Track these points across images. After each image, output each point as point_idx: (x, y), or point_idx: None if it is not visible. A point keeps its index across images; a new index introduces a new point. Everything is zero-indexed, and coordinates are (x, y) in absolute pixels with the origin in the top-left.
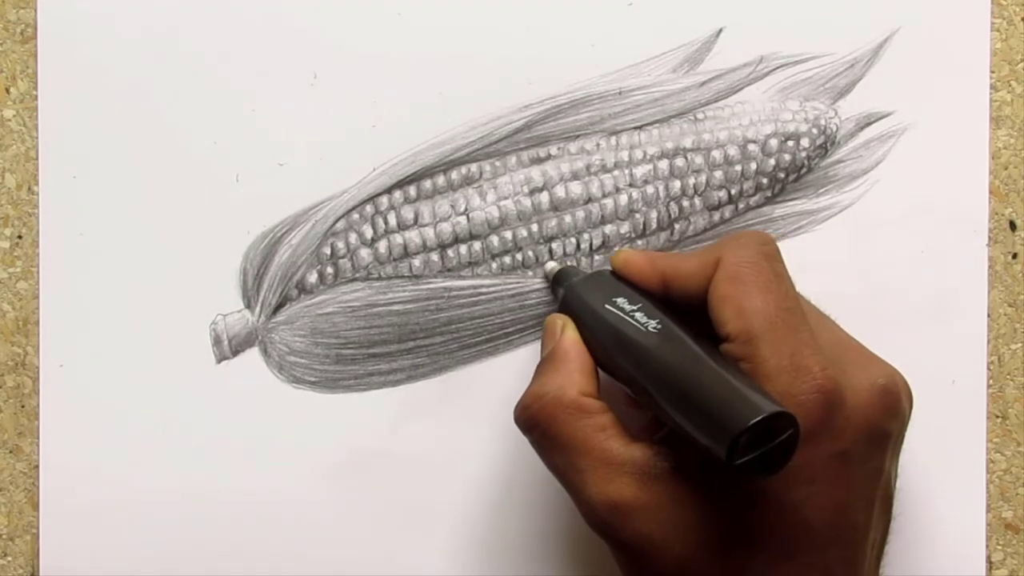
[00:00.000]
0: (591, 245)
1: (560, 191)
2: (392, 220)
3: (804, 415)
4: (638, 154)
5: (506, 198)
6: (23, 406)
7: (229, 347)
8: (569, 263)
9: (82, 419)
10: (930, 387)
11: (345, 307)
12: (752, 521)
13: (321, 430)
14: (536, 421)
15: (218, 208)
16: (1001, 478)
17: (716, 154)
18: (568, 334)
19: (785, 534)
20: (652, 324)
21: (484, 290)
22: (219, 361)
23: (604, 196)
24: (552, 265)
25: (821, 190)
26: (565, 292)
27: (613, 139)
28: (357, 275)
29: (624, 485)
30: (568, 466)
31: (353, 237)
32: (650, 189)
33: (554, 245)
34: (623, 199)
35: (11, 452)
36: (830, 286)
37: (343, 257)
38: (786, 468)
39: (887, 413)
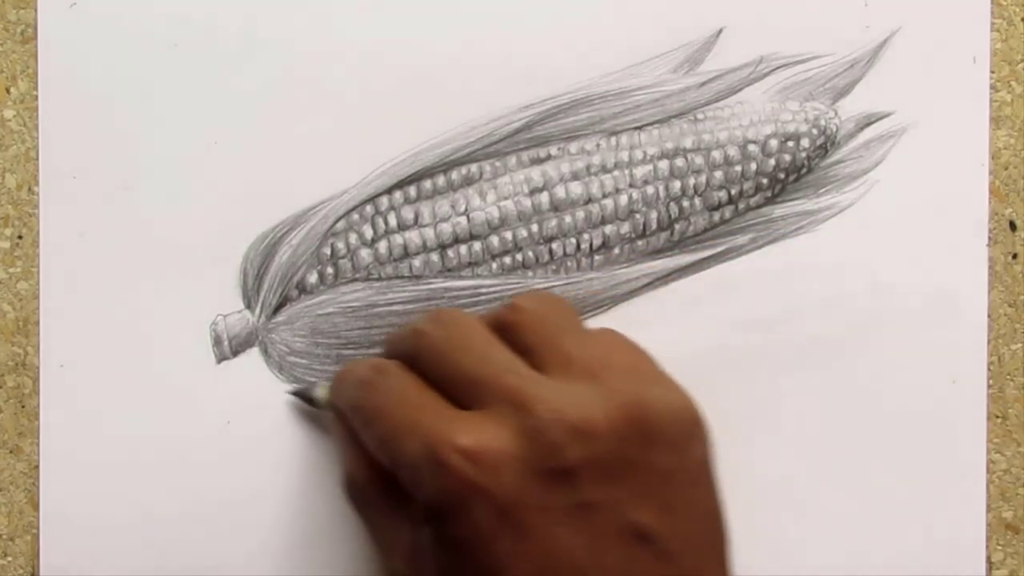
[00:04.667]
0: (591, 245)
1: (560, 191)
2: (392, 220)
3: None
4: (638, 154)
5: (506, 198)
6: (23, 406)
7: (229, 347)
8: (573, 265)
9: (82, 419)
10: (930, 387)
11: (345, 307)
12: None
13: (321, 430)
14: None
15: (218, 208)
16: (1001, 478)
17: (716, 154)
18: None
19: None
20: None
21: (484, 290)
22: (219, 361)
23: (604, 196)
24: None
25: (821, 190)
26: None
27: (613, 139)
28: (357, 275)
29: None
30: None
31: (353, 237)
32: (650, 189)
33: (554, 245)
34: (623, 199)
35: (11, 452)
36: (830, 286)
37: (343, 257)
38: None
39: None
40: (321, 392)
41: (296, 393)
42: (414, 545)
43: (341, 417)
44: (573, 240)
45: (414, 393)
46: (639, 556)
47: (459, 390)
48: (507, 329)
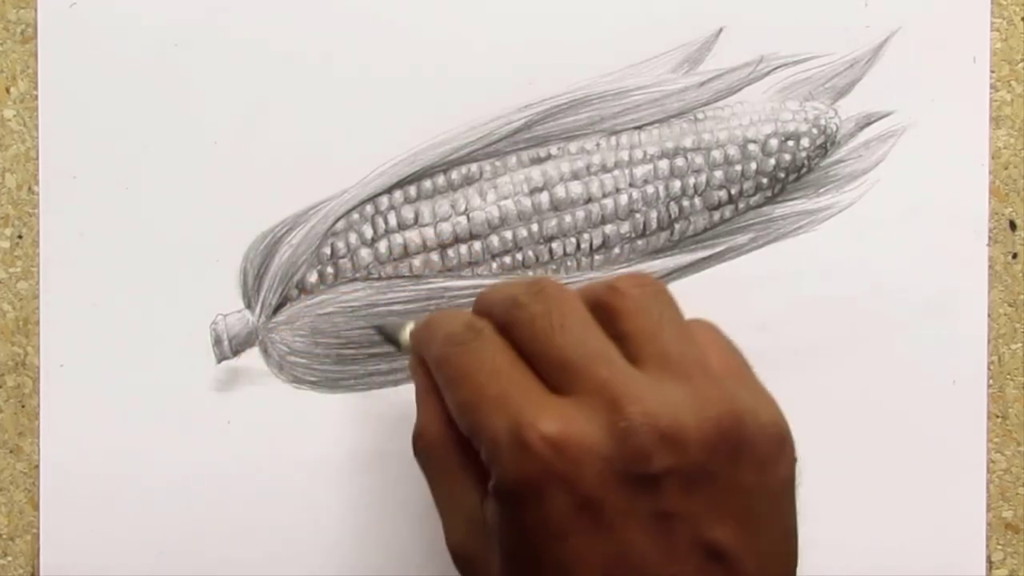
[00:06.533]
0: (591, 245)
1: (560, 191)
2: (392, 220)
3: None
4: (638, 154)
5: (506, 198)
6: (23, 406)
7: (229, 347)
8: (570, 263)
9: (82, 419)
10: (930, 387)
11: (345, 307)
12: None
13: (321, 430)
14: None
15: (218, 208)
16: (1001, 478)
17: (716, 154)
18: None
19: None
20: None
21: None
22: (219, 361)
23: (604, 196)
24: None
25: (821, 190)
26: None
27: (613, 139)
28: (357, 275)
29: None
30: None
31: (353, 237)
32: (650, 189)
33: (554, 245)
34: (623, 199)
35: (11, 452)
36: (830, 286)
37: (343, 257)
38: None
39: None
40: (406, 336)
41: (379, 329)
42: (480, 516)
43: (422, 367)
44: (573, 240)
45: (505, 364)
46: (710, 573)
47: (550, 371)
48: (605, 311)
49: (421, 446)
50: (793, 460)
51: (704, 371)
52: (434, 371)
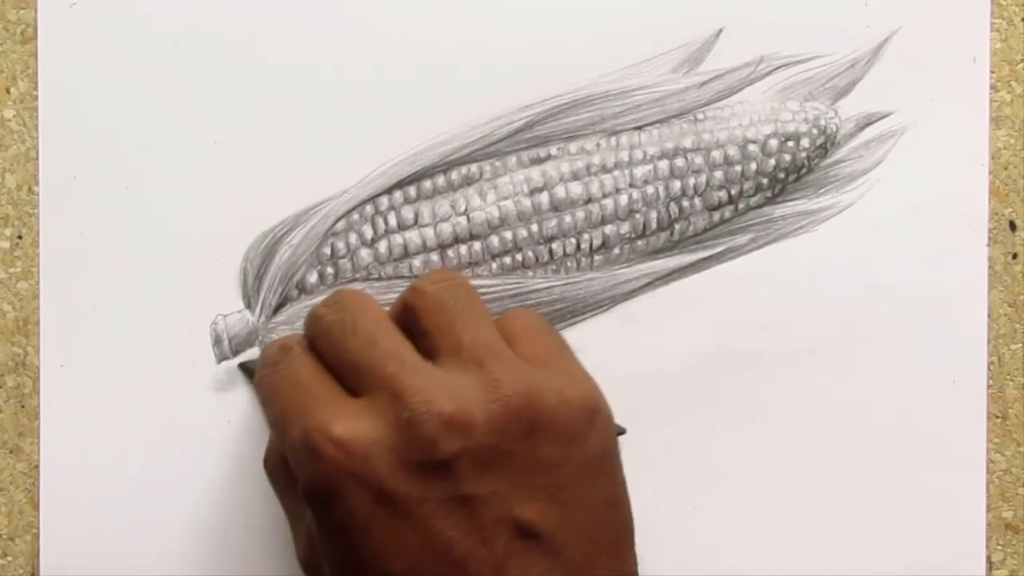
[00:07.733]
0: (591, 245)
1: (560, 191)
2: (392, 220)
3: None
4: (638, 154)
5: (506, 198)
6: (23, 406)
7: (229, 347)
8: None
9: (82, 419)
10: (930, 387)
11: None
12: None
13: None
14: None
15: (218, 208)
16: (1001, 478)
17: (716, 154)
18: None
19: None
20: None
21: (484, 290)
22: (219, 361)
23: (604, 196)
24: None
25: (821, 190)
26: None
27: (613, 139)
28: (357, 275)
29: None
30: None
31: (353, 237)
32: (650, 189)
33: (554, 245)
34: (623, 199)
35: (11, 452)
36: (830, 286)
37: (343, 257)
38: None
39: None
40: None
41: (243, 367)
42: (310, 527)
43: None
44: (573, 240)
45: (308, 376)
46: (522, 550)
47: (347, 375)
48: (407, 311)
49: (268, 470)
50: (609, 432)
51: (498, 356)
52: (256, 395)
